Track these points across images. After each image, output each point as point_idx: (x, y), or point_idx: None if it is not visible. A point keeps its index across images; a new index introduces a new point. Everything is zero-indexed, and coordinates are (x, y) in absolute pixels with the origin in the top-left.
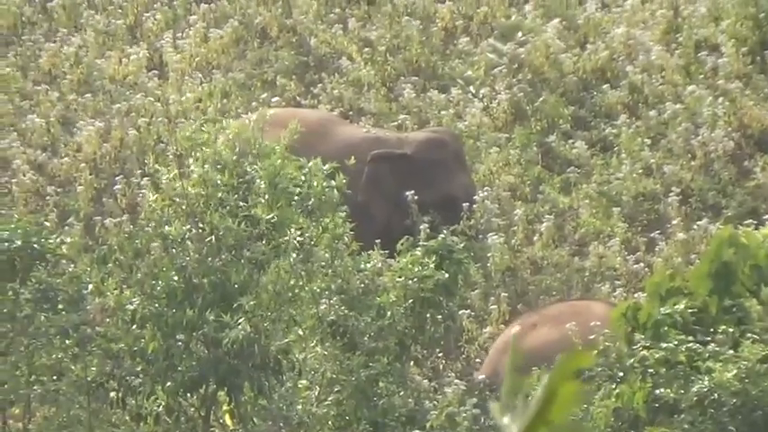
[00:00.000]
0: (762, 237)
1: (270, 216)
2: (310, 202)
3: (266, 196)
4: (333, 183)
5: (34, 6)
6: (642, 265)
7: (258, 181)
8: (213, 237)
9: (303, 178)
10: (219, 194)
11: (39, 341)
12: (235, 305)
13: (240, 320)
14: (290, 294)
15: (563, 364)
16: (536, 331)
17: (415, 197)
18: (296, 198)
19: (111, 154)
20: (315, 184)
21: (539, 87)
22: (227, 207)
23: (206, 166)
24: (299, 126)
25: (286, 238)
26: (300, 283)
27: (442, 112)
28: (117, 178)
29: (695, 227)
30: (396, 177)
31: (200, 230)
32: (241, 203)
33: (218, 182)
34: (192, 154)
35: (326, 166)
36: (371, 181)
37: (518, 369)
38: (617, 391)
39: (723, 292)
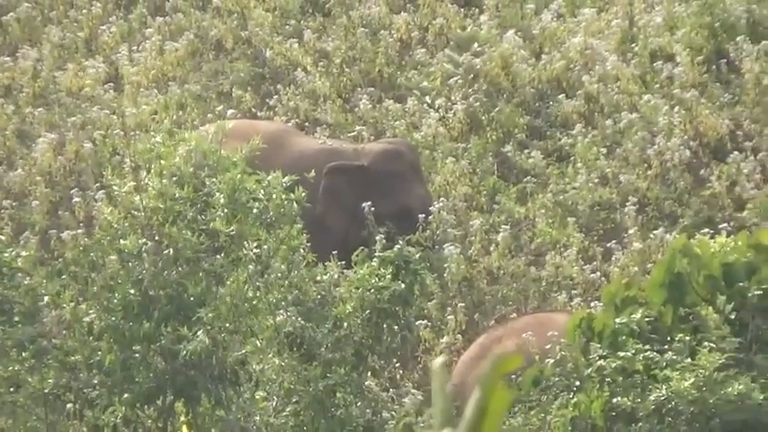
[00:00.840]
0: (717, 246)
1: (229, 230)
2: (269, 215)
3: (225, 210)
4: (291, 196)
5: None
6: (599, 274)
7: (218, 195)
8: (171, 249)
9: (262, 192)
10: (177, 208)
11: None
12: (193, 317)
13: (198, 332)
14: (248, 306)
15: (491, 371)
16: (501, 344)
17: (372, 208)
18: (254, 211)
19: (66, 167)
20: (274, 197)
21: (494, 97)
22: (185, 220)
23: (164, 180)
24: (255, 138)
25: (244, 251)
26: (258, 295)
27: (398, 123)
28: (73, 191)
29: (652, 236)
30: (352, 189)
31: (158, 243)
32: (199, 216)
33: (176, 195)
34: (149, 166)
35: (285, 179)
36: (328, 193)
37: (444, 392)
38: (574, 400)
39: (677, 302)
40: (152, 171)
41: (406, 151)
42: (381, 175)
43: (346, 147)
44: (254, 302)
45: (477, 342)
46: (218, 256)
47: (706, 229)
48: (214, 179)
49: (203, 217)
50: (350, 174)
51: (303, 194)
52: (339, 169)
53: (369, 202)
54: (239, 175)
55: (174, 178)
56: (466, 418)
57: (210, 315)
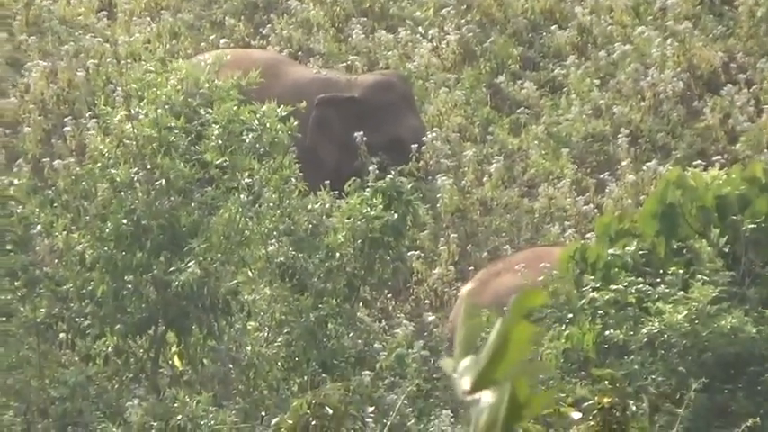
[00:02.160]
0: (709, 178)
1: (221, 160)
2: (263, 145)
3: (219, 141)
4: (284, 126)
5: None
6: (592, 206)
7: (213, 126)
8: (163, 180)
9: (257, 122)
10: (171, 138)
11: None
12: (185, 248)
13: (190, 263)
14: (240, 236)
15: (515, 305)
16: (500, 278)
17: (364, 139)
18: (247, 141)
19: (59, 95)
20: (268, 126)
21: (488, 28)
22: (179, 150)
23: (158, 109)
24: (248, 67)
25: (236, 181)
26: (250, 225)
27: (391, 53)
28: (66, 120)
29: (645, 168)
30: (342, 121)
31: (150, 173)
32: (193, 147)
33: (171, 124)
34: (141, 95)
35: (280, 109)
36: (318, 125)
37: (472, 324)
38: (567, 332)
39: (670, 234)
40: (144, 100)
41: (398, 83)
42: (373, 107)
43: (339, 77)
44: (246, 233)
45: (477, 277)
46: (209, 188)
47: (699, 162)
48: (209, 109)
49: (197, 147)
50: (340, 105)
51: (295, 124)
52: (329, 101)
53: (360, 133)
54: (235, 107)
55: (167, 107)
56: (488, 348)
57: (203, 246)
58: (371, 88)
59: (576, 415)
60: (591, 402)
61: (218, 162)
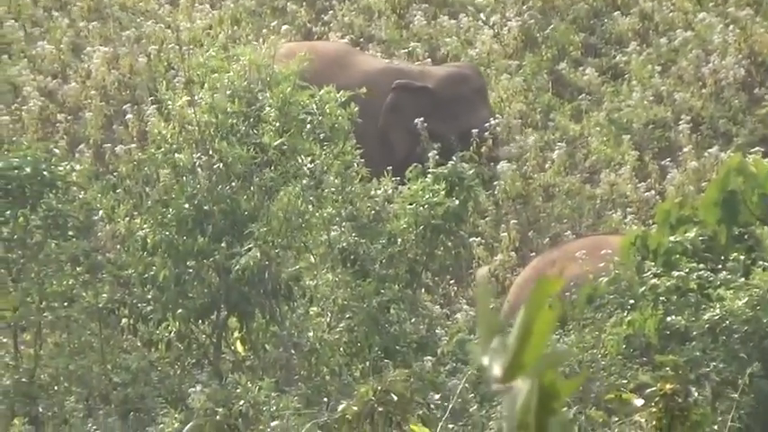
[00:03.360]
0: None
1: (278, 142)
2: (323, 130)
3: (276, 124)
4: (345, 111)
5: None
6: (653, 192)
7: (268, 108)
8: (222, 164)
9: (315, 106)
10: (230, 122)
11: (49, 268)
12: (245, 232)
13: (251, 247)
14: (301, 221)
15: (535, 294)
16: (556, 266)
17: (436, 130)
18: (307, 126)
19: (121, 81)
20: (327, 111)
21: (549, 14)
22: (238, 135)
23: (216, 93)
24: (316, 58)
25: (295, 164)
26: (311, 210)
27: (452, 39)
28: (127, 106)
29: (706, 154)
30: (416, 108)
31: (211, 158)
32: (251, 131)
33: (229, 109)
34: (204, 81)
35: (340, 94)
36: (392, 109)
37: (490, 309)
38: (628, 318)
39: (732, 221)
40: (206, 86)
41: (472, 75)
42: (446, 98)
43: (412, 67)
44: (306, 217)
45: (531, 264)
46: (268, 170)
47: (760, 148)
48: (267, 93)
49: (255, 131)
50: (415, 93)
51: (356, 109)
52: (405, 87)
53: (420, 120)
54: (290, 89)
55: (228, 92)
56: (513, 336)
57: (263, 230)
58: (446, 80)
59: (639, 401)
60: (653, 389)
61: (275, 144)
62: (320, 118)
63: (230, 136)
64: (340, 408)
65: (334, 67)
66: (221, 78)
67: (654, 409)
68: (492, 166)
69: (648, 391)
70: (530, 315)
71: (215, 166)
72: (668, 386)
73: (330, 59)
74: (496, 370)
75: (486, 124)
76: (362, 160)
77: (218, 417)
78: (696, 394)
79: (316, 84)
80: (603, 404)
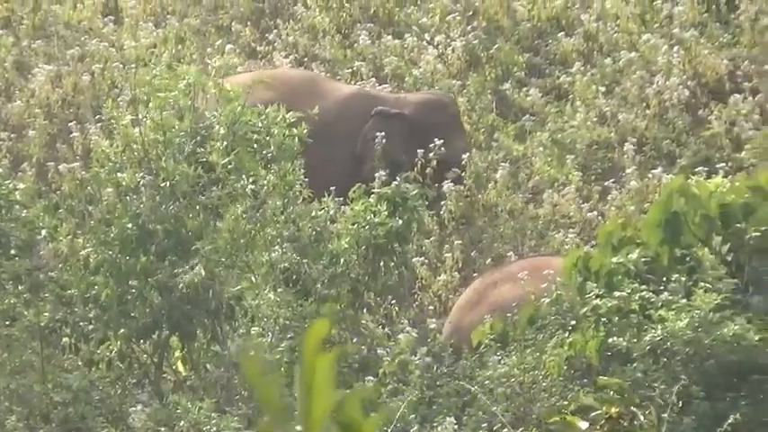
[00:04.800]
0: (714, 186)
1: (225, 161)
2: (270, 150)
3: (224, 142)
4: (293, 131)
5: None
6: (596, 213)
7: (217, 127)
8: (168, 183)
9: (260, 125)
10: (176, 140)
11: None
12: (192, 248)
13: (195, 265)
14: (245, 241)
15: (309, 337)
16: (497, 288)
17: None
18: (254, 145)
19: (65, 99)
20: (275, 132)
21: (493, 35)
22: (183, 153)
23: (163, 111)
24: (282, 87)
25: (241, 185)
26: (254, 230)
27: (397, 59)
28: (71, 124)
29: (649, 175)
30: (394, 137)
31: (155, 177)
32: (198, 149)
33: (175, 127)
34: (148, 99)
35: (289, 114)
36: (371, 137)
37: (263, 375)
38: (570, 339)
39: (674, 242)
40: (150, 104)
41: (448, 103)
42: (423, 126)
43: (386, 94)
44: (251, 237)
45: (473, 286)
46: (214, 188)
47: (704, 169)
48: (214, 112)
49: (202, 149)
50: (393, 120)
51: (305, 131)
52: (385, 115)
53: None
54: (239, 108)
55: (173, 111)
56: (299, 388)
57: (208, 248)
58: (422, 107)
59: (584, 424)
60: (598, 412)
61: (223, 162)
62: (267, 138)
63: (177, 154)
64: None
65: (304, 95)
66: (166, 97)
67: None
68: (435, 186)
69: (594, 414)
70: (307, 367)
71: (160, 185)
72: (614, 410)
73: (298, 87)
74: (299, 427)
75: (464, 155)
76: (333, 186)
77: None
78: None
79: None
80: (545, 426)
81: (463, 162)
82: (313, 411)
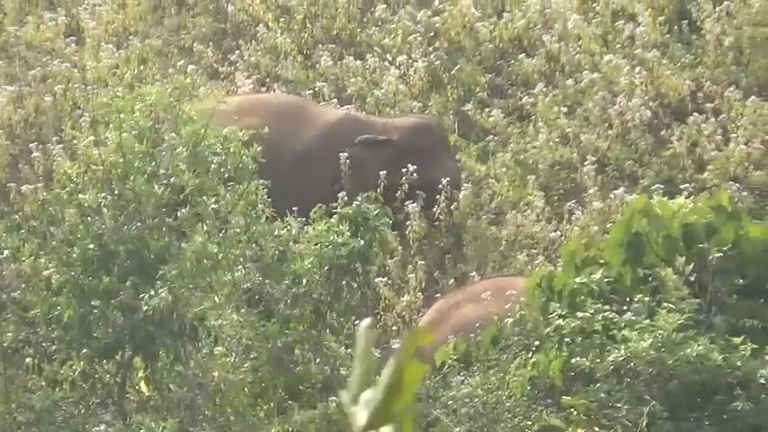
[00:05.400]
0: (676, 207)
1: (192, 182)
2: (227, 170)
3: (186, 163)
4: (248, 151)
5: None
6: (559, 233)
7: (181, 148)
8: (134, 203)
9: (220, 147)
10: (137, 163)
11: None
12: (154, 274)
13: (161, 288)
14: (210, 262)
15: (405, 345)
16: (459, 309)
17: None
18: (213, 166)
19: (26, 120)
20: (232, 151)
21: (455, 55)
22: (146, 175)
23: (122, 133)
24: (269, 113)
25: (204, 205)
26: (217, 251)
27: (359, 80)
28: (32, 145)
29: (612, 196)
30: (380, 163)
31: (118, 197)
32: (162, 170)
33: (136, 148)
34: (109, 120)
35: (242, 133)
36: (356, 165)
37: (369, 355)
38: (533, 359)
39: (637, 262)
40: (111, 125)
41: (435, 127)
42: (411, 151)
43: (373, 118)
44: (217, 258)
45: (435, 306)
46: (182, 210)
47: (666, 189)
48: (173, 134)
49: (166, 170)
50: (379, 147)
51: (259, 150)
52: (369, 142)
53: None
54: (201, 129)
55: (134, 132)
56: (382, 385)
57: (173, 272)
58: (410, 132)
59: None
60: None
61: (190, 184)
62: (224, 158)
63: (140, 176)
64: None
65: (291, 120)
66: (126, 118)
67: None
68: (398, 206)
69: None
70: (399, 366)
71: (123, 206)
72: (580, 431)
73: (284, 113)
74: (361, 418)
75: (459, 182)
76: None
77: None
78: None
79: (273, 139)
80: None
81: (442, 186)
82: (384, 410)
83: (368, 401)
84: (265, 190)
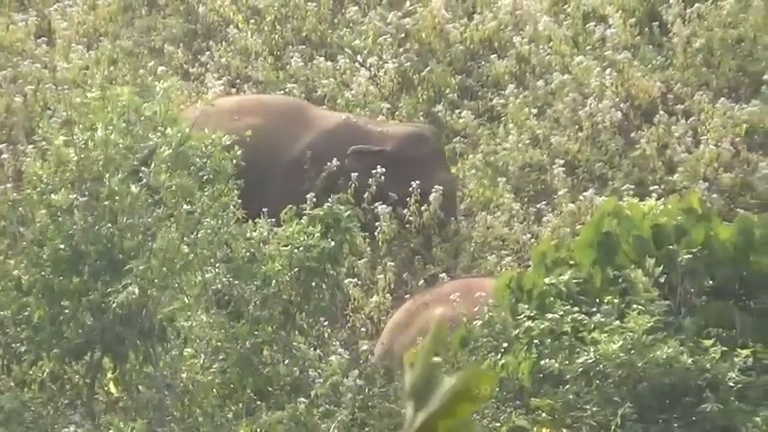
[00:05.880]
0: (646, 208)
1: (170, 183)
2: (206, 172)
3: (168, 164)
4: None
5: None
6: (529, 235)
7: (163, 147)
8: (108, 202)
9: (203, 149)
10: (118, 160)
11: None
12: (125, 268)
13: (129, 284)
14: (180, 262)
15: (474, 367)
16: (428, 310)
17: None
18: (193, 167)
19: None
20: (215, 154)
21: (426, 57)
22: (124, 172)
23: (98, 131)
24: (269, 114)
25: (177, 206)
26: (187, 251)
27: (329, 81)
28: (3, 145)
29: (581, 197)
30: (371, 174)
31: (90, 197)
32: (143, 169)
33: (120, 144)
34: (82, 121)
35: (224, 138)
36: (348, 175)
37: (435, 356)
38: (502, 361)
39: (606, 264)
40: (83, 125)
41: (429, 136)
42: (404, 160)
43: (371, 126)
44: (188, 258)
45: (404, 307)
46: (158, 210)
47: (635, 191)
48: (157, 133)
49: (145, 170)
50: (371, 158)
51: (239, 153)
52: (361, 153)
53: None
54: (186, 130)
55: (108, 131)
56: (446, 394)
57: (141, 268)
58: (403, 141)
59: None
60: None
61: (168, 184)
62: (206, 161)
63: (117, 174)
64: None
65: (290, 122)
66: (101, 118)
67: None
68: (369, 208)
69: None
70: (471, 376)
71: (94, 206)
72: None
73: (284, 115)
74: (418, 419)
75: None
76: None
77: None
78: None
79: (271, 141)
80: None
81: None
82: (449, 415)
83: (427, 403)
84: (261, 191)
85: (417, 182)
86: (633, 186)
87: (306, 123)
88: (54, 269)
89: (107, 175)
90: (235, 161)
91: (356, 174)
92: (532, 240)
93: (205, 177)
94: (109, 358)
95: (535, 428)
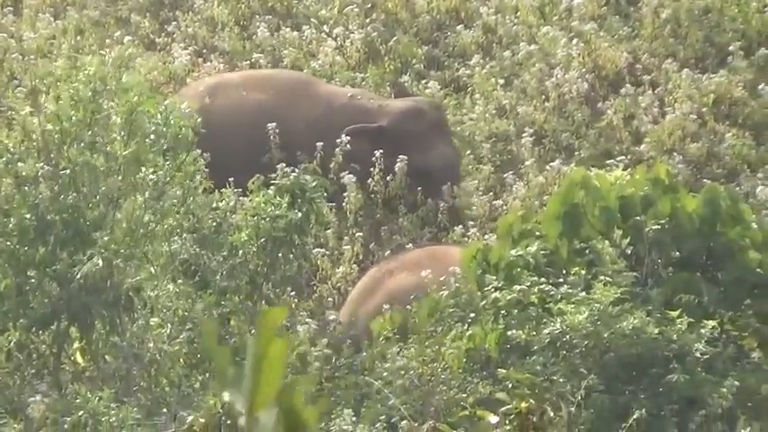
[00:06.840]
0: (613, 179)
1: (126, 152)
2: (165, 140)
3: (122, 133)
4: (188, 122)
5: None
6: (497, 204)
7: (114, 117)
8: (69, 172)
9: (160, 117)
10: (74, 130)
11: None
12: (89, 239)
13: (93, 255)
14: (144, 231)
15: (263, 325)
16: (393, 277)
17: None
18: (152, 136)
19: None
20: (172, 122)
21: (392, 27)
22: (82, 143)
23: (61, 102)
24: (274, 89)
25: (141, 175)
26: (154, 221)
27: (295, 51)
28: None
29: (548, 168)
30: (370, 152)
31: (55, 167)
32: (98, 138)
33: (73, 118)
34: (48, 90)
35: (184, 105)
36: (346, 158)
37: (216, 343)
38: (469, 332)
39: (573, 235)
40: (50, 95)
41: (427, 110)
42: (400, 136)
43: (372, 102)
44: (150, 228)
45: (369, 274)
46: (116, 178)
47: (602, 161)
48: (112, 102)
49: (101, 139)
50: (368, 136)
51: (198, 121)
52: (358, 132)
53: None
54: (136, 98)
55: (73, 102)
56: (247, 373)
57: (106, 238)
58: (399, 116)
59: (494, 419)
60: (509, 407)
61: (125, 153)
62: (164, 128)
63: (76, 143)
64: (188, 419)
65: (295, 97)
66: (67, 87)
67: (509, 428)
68: (335, 177)
69: (504, 408)
70: (261, 347)
71: (59, 175)
72: (524, 405)
73: (289, 89)
74: (240, 404)
75: (456, 166)
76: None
77: (56, 427)
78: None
79: (275, 115)
80: (444, 419)
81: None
82: (259, 391)
83: (240, 388)
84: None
85: (409, 157)
86: (600, 157)
87: (311, 98)
88: (20, 239)
89: (65, 147)
90: (194, 129)
91: (361, 156)
92: (499, 211)
93: (166, 146)
94: (75, 328)
95: (514, 402)
